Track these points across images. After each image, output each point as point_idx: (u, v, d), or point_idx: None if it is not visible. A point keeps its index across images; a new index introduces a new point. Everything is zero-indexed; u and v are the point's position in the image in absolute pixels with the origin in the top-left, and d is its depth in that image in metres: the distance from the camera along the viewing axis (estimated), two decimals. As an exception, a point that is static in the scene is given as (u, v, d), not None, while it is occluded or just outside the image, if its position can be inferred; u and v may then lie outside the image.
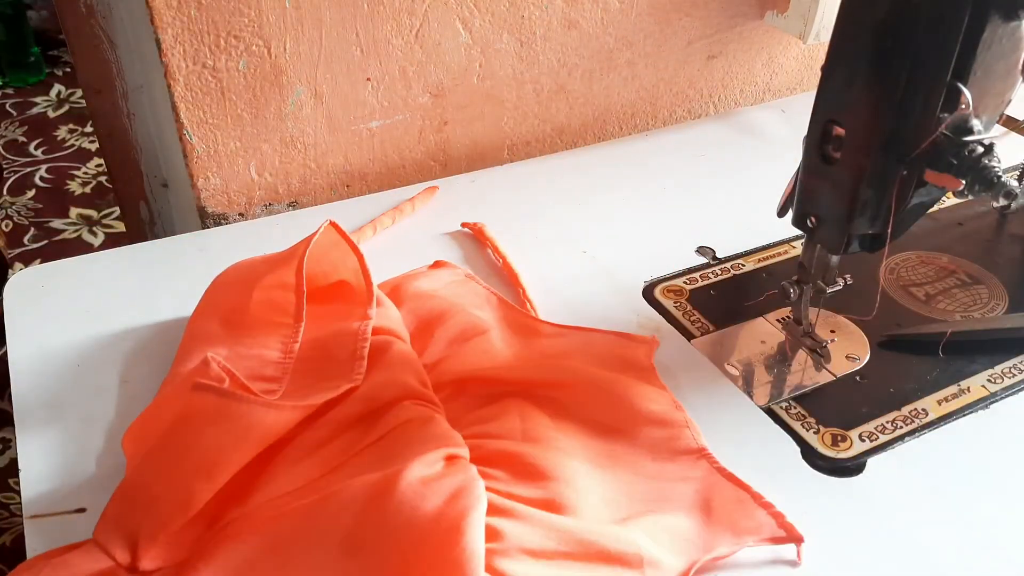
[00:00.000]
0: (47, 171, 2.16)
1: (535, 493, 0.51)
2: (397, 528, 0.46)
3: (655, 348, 0.64)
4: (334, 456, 0.53)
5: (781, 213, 0.62)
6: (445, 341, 0.63)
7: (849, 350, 0.66)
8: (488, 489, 0.49)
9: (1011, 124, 0.94)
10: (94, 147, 2.21)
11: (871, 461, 0.58)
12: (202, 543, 0.49)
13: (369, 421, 0.55)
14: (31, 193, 2.09)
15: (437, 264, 0.72)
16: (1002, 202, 0.50)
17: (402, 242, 0.77)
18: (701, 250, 0.77)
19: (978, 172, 0.50)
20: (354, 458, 0.53)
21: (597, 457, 0.56)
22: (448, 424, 0.54)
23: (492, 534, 0.47)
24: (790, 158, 0.59)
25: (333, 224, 0.63)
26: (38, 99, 2.42)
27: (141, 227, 0.97)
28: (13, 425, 0.58)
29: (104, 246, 1.89)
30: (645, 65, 0.96)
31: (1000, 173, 0.50)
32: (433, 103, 0.86)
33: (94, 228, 1.98)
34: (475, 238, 0.77)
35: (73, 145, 2.25)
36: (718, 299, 0.71)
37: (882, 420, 0.60)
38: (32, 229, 1.98)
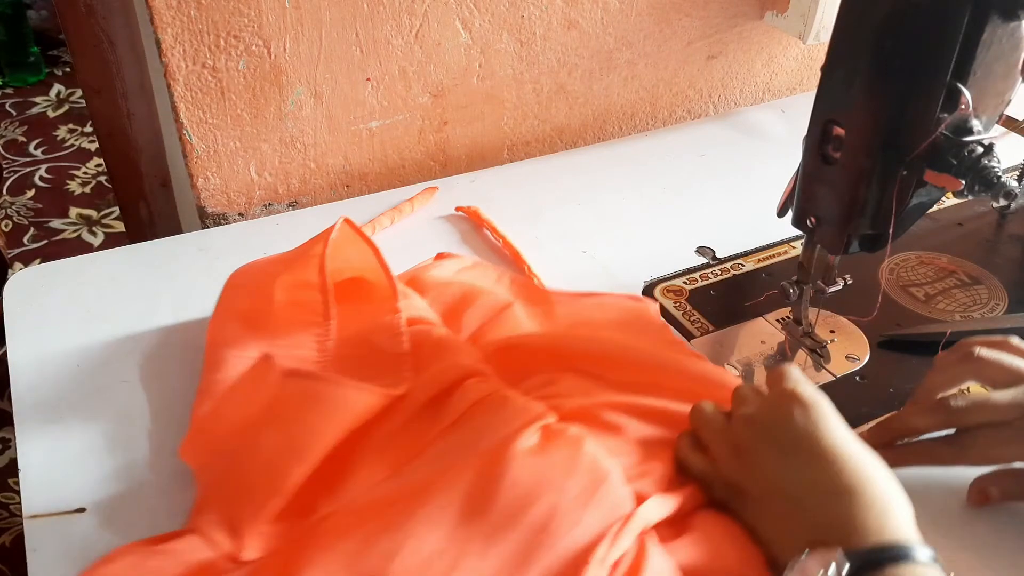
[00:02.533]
0: (47, 171, 2.16)
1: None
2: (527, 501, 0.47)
3: (657, 307, 0.68)
4: (411, 443, 0.54)
5: (781, 213, 0.62)
6: (476, 321, 0.64)
7: (849, 350, 0.66)
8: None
9: (1011, 124, 0.94)
10: (94, 147, 2.21)
11: (871, 461, 0.58)
12: (304, 537, 0.49)
13: (436, 406, 0.56)
14: (31, 193, 2.09)
15: (440, 256, 0.73)
16: (1002, 202, 0.50)
17: (404, 241, 0.77)
18: (701, 250, 0.77)
19: (978, 172, 0.50)
20: (436, 441, 0.54)
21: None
22: (521, 396, 0.55)
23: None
24: (790, 158, 0.59)
25: (348, 221, 0.63)
26: (38, 99, 2.42)
27: (141, 227, 0.97)
28: (13, 425, 0.58)
29: (104, 246, 1.89)
30: (645, 65, 0.96)
31: (1000, 173, 0.50)
32: (433, 103, 0.86)
33: (94, 228, 1.98)
34: (470, 221, 0.77)
35: (73, 145, 2.25)
36: (718, 299, 0.71)
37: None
38: (32, 229, 1.98)
